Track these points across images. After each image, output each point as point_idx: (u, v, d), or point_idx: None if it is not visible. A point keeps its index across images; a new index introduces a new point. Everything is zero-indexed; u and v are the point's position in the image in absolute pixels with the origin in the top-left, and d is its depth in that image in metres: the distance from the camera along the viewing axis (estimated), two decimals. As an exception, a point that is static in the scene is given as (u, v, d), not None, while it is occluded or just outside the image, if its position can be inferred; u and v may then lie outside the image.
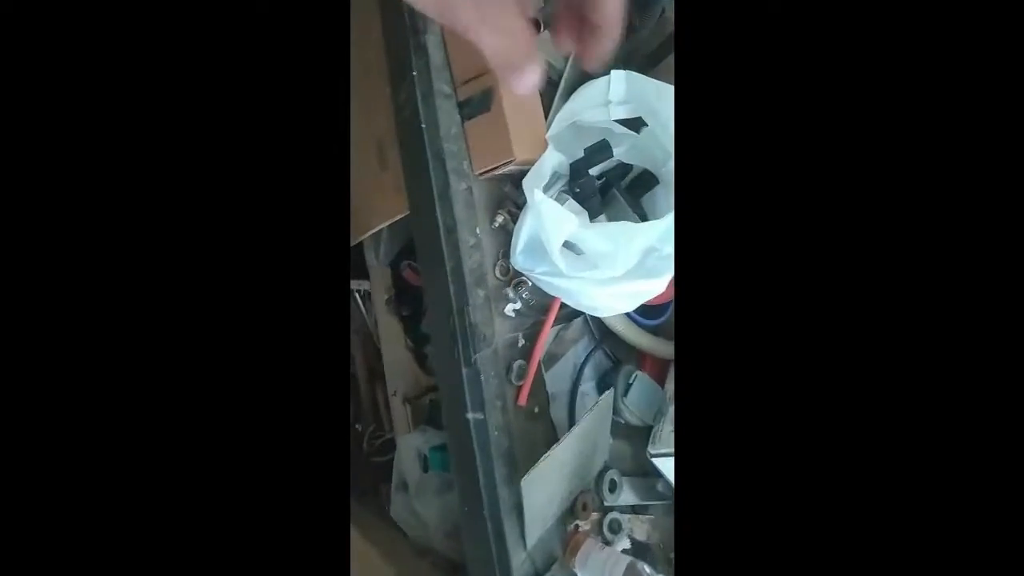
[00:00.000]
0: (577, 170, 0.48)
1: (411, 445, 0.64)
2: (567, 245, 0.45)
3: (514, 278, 0.48)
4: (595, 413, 0.48)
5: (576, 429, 0.46)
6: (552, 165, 0.45)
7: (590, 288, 0.45)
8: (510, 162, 0.44)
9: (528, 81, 0.24)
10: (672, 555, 0.54)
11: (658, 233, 0.45)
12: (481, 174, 0.47)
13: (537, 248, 0.45)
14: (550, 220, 0.42)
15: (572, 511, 0.50)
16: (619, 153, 0.53)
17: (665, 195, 0.52)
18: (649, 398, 0.53)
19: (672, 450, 0.50)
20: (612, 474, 0.52)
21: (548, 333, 0.49)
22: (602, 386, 0.54)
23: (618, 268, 0.44)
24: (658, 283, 0.47)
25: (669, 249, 0.47)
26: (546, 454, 0.44)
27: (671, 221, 0.46)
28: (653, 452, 0.52)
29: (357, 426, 0.92)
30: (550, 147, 0.46)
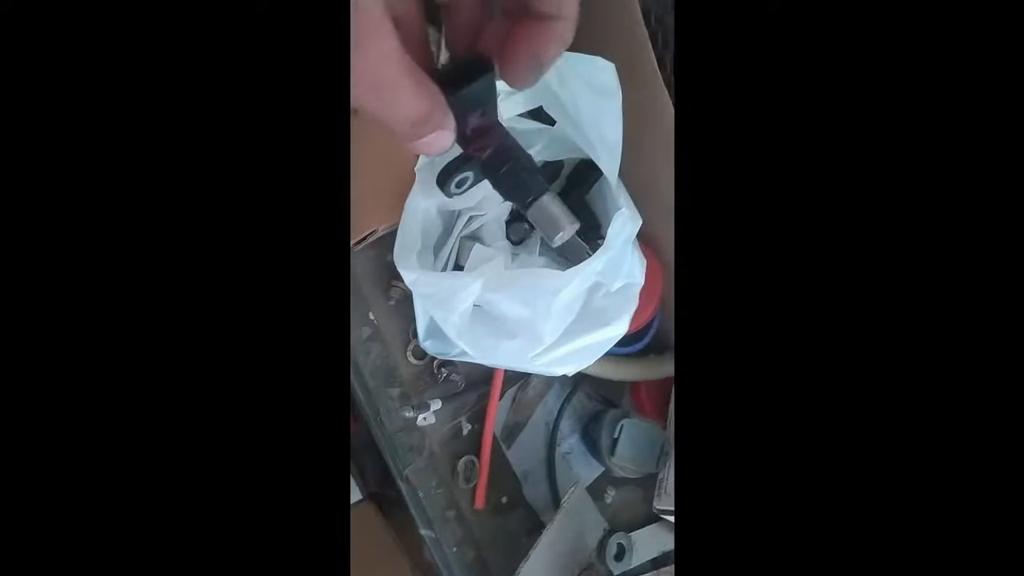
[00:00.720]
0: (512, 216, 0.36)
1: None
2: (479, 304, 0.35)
3: (436, 356, 0.38)
4: (564, 513, 0.39)
5: (544, 539, 0.37)
6: (420, 223, 0.33)
7: (525, 362, 0.35)
8: (373, 232, 0.33)
9: (436, 145, 0.21)
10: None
11: (599, 269, 0.33)
12: (356, 245, 0.36)
13: (440, 329, 0.35)
14: (436, 301, 0.32)
15: (576, 597, 0.42)
16: (537, 153, 0.40)
17: (611, 189, 0.39)
18: (646, 442, 0.43)
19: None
20: (617, 538, 0.44)
21: (497, 408, 0.40)
22: (588, 439, 0.44)
23: (545, 337, 0.33)
24: (614, 329, 0.35)
25: (619, 283, 0.35)
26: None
27: (616, 242, 0.34)
28: (660, 507, 0.43)
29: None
30: (413, 195, 0.33)
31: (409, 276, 0.31)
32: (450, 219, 0.38)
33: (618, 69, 0.33)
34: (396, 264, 0.32)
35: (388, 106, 0.19)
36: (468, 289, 0.32)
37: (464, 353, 0.36)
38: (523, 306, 0.32)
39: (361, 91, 0.18)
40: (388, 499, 0.92)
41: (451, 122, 0.21)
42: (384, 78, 0.18)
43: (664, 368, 0.47)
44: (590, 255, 0.35)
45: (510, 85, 0.22)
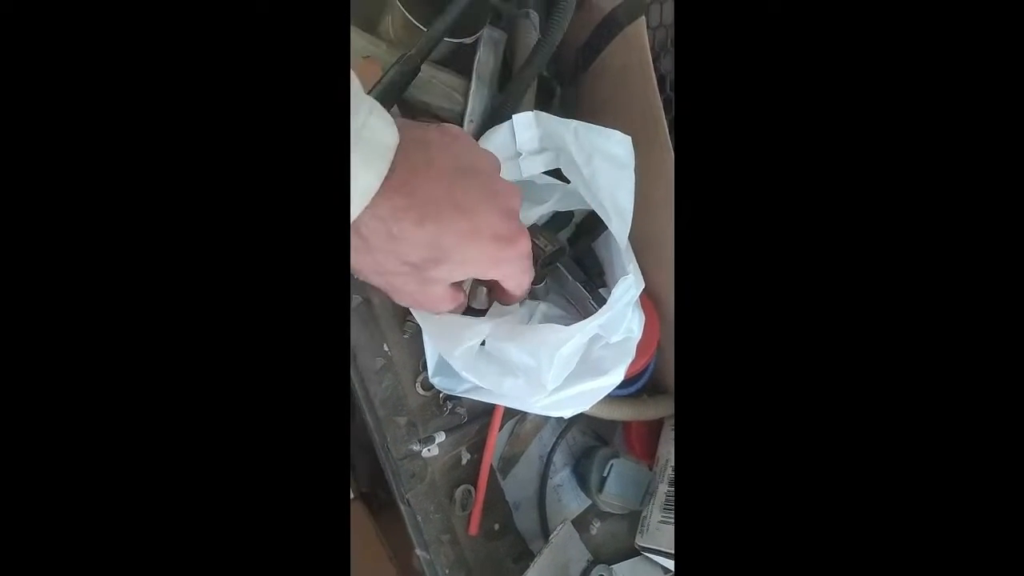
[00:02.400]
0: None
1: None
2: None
3: (440, 392, 0.41)
4: (551, 548, 0.41)
5: (532, 569, 0.40)
6: None
7: (525, 401, 0.37)
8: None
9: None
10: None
11: (600, 323, 0.36)
12: (377, 282, 0.39)
13: (450, 366, 0.37)
14: (445, 338, 0.34)
15: (557, 624, 0.45)
16: (552, 204, 0.43)
17: (619, 250, 0.41)
18: (632, 482, 0.46)
19: (664, 549, 0.44)
20: (600, 570, 0.46)
21: (495, 441, 0.42)
22: (578, 473, 0.47)
23: (547, 384, 0.35)
24: (610, 378, 0.38)
25: (618, 337, 0.38)
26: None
27: (618, 305, 0.36)
28: (642, 545, 0.46)
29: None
30: None
31: (417, 315, 0.34)
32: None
33: (632, 133, 0.36)
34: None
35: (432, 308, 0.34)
36: (475, 329, 0.34)
37: (470, 390, 0.38)
38: (529, 356, 0.34)
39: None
40: (378, 499, 0.94)
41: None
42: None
43: (655, 410, 0.49)
44: (595, 308, 0.37)
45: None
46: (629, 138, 0.36)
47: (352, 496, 0.94)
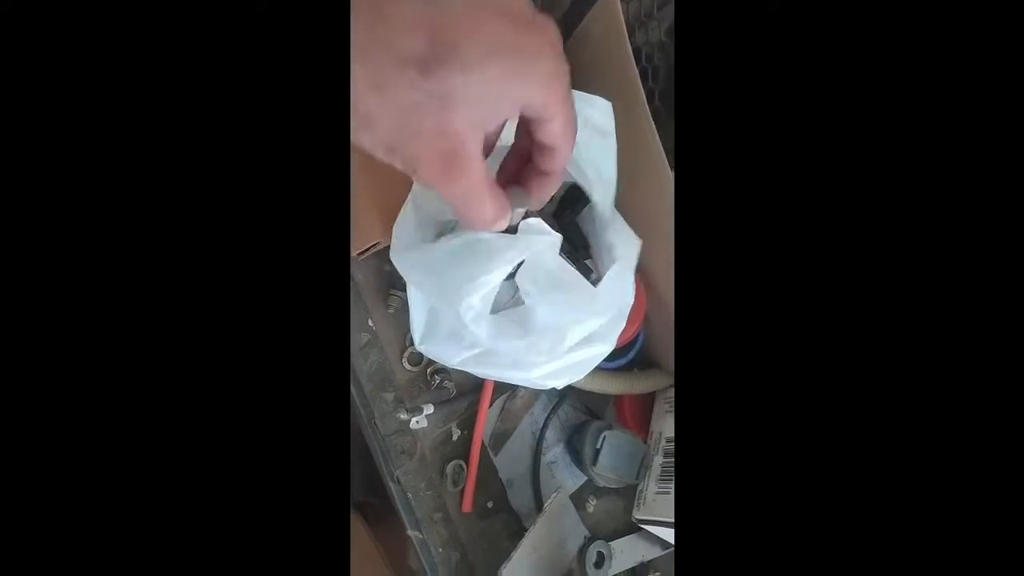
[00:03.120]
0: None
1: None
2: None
3: (429, 363, 0.40)
4: (546, 517, 0.40)
5: (526, 541, 0.39)
6: (414, 225, 0.35)
7: (514, 372, 0.37)
8: (376, 244, 0.35)
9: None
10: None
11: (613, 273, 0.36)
12: (359, 255, 0.38)
13: (439, 327, 0.36)
14: (441, 290, 0.33)
15: (556, 603, 0.44)
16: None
17: (603, 216, 0.41)
18: (626, 455, 0.45)
19: (662, 518, 0.43)
20: (597, 547, 0.45)
21: (486, 415, 0.41)
22: (572, 448, 0.46)
23: (562, 346, 0.35)
24: (603, 346, 0.37)
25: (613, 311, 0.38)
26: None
27: (617, 273, 0.36)
28: (639, 517, 0.45)
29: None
30: (407, 206, 0.35)
31: (412, 266, 0.32)
32: (445, 228, 0.40)
33: (612, 102, 0.36)
34: (393, 258, 0.34)
35: (472, 213, 0.25)
36: (508, 255, 0.31)
37: (463, 360, 0.38)
38: (555, 316, 0.34)
39: (450, 200, 0.24)
40: (374, 508, 0.93)
41: (509, 217, 0.26)
42: (473, 198, 0.24)
43: (646, 383, 0.49)
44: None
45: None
46: (610, 104, 0.36)
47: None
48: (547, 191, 0.28)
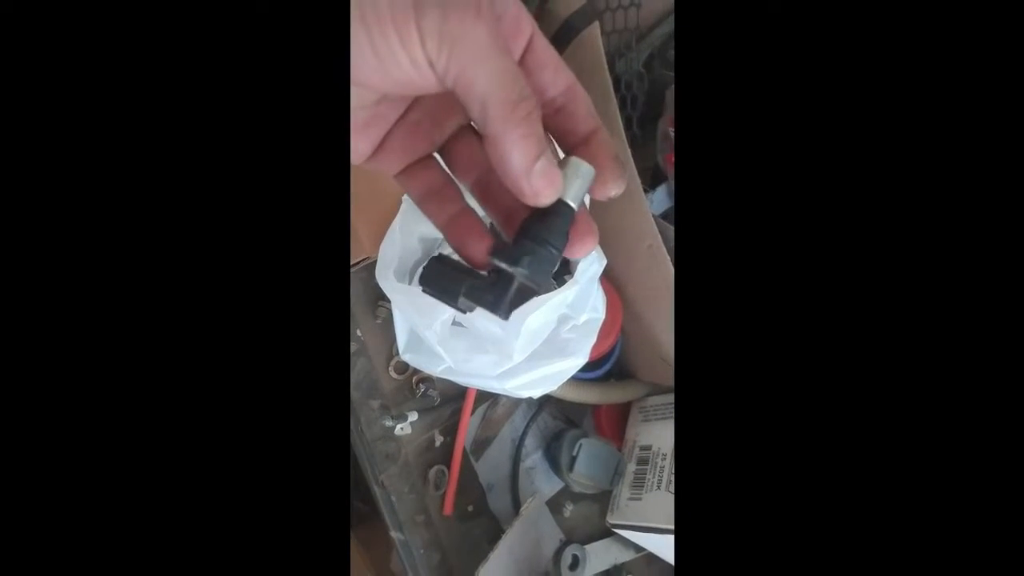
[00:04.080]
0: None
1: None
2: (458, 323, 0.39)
3: (414, 373, 0.42)
4: (522, 521, 0.42)
5: (503, 542, 0.41)
6: (399, 246, 0.37)
7: (494, 380, 0.39)
8: (366, 258, 0.37)
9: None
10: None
11: (568, 301, 0.38)
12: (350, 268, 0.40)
13: (420, 339, 0.38)
14: (418, 313, 0.36)
15: (532, 604, 0.46)
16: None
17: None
18: (601, 462, 0.47)
19: (635, 523, 0.45)
20: (572, 550, 0.47)
21: (468, 423, 0.43)
22: (550, 456, 0.48)
23: (514, 355, 0.37)
24: (576, 359, 0.40)
25: (585, 316, 0.40)
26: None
27: (583, 279, 0.38)
28: (613, 522, 0.47)
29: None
30: (398, 221, 0.38)
31: (392, 290, 0.35)
32: (431, 246, 0.42)
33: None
34: (377, 278, 0.36)
35: (509, 104, 0.17)
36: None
37: (443, 370, 0.40)
38: (497, 327, 0.36)
39: (481, 79, 0.17)
40: (358, 512, 0.94)
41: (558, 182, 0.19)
42: (513, 73, 0.17)
43: (622, 393, 0.51)
44: (556, 287, 0.39)
45: (606, 195, 0.21)
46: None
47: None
48: (609, 148, 0.20)
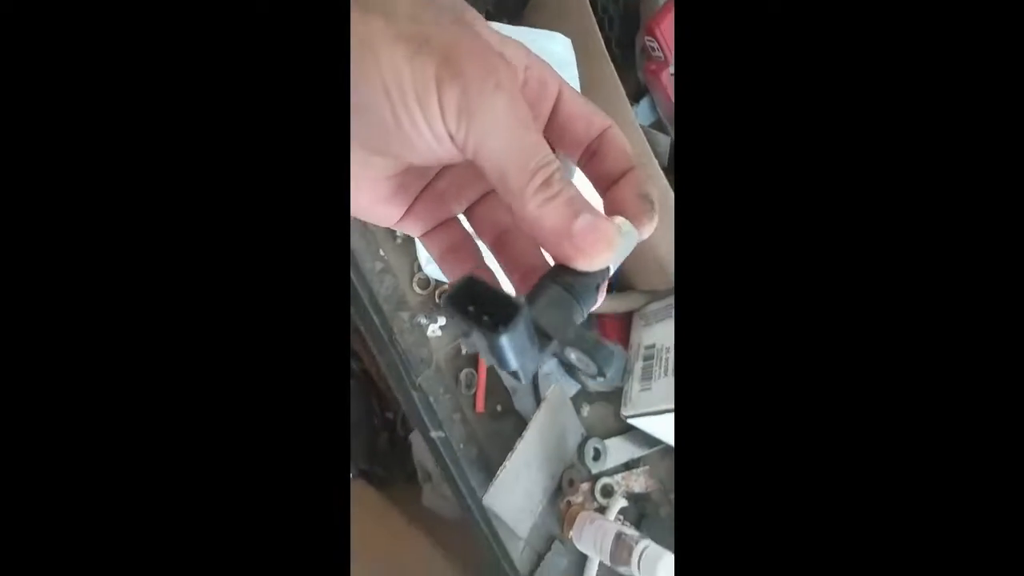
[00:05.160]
0: None
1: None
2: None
3: (437, 286, 0.46)
4: (547, 405, 0.47)
5: (532, 427, 0.45)
6: None
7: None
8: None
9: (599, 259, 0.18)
10: (672, 496, 0.55)
11: None
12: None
13: None
14: None
15: (560, 490, 0.50)
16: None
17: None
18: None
19: (647, 410, 0.50)
20: (593, 443, 0.52)
21: (489, 331, 0.48)
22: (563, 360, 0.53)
23: None
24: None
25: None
26: (502, 465, 0.44)
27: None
28: (627, 414, 0.52)
29: (388, 415, 0.96)
30: None
31: None
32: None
33: (572, 45, 0.42)
34: None
35: (523, 155, 0.17)
36: None
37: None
38: None
39: (495, 128, 0.17)
40: (378, 475, 0.98)
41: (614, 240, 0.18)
42: (524, 123, 0.17)
43: (624, 303, 0.56)
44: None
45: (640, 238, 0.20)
46: (569, 40, 0.42)
47: (352, 474, 0.97)
48: (643, 183, 0.20)
